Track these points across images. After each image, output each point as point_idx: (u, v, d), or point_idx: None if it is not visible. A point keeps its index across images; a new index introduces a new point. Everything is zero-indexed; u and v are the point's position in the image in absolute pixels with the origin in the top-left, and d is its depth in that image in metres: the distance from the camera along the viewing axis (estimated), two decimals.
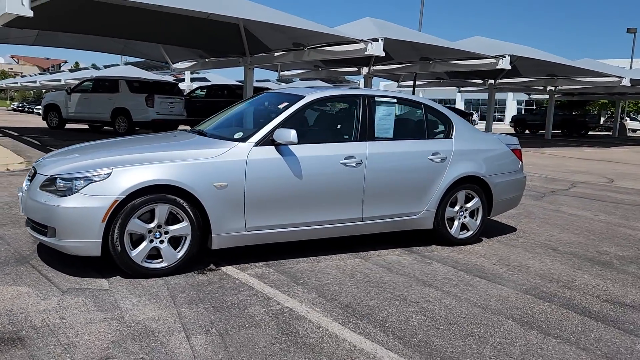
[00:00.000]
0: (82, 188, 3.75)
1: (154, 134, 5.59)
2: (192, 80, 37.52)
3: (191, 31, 17.01)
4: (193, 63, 22.34)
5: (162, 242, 3.99)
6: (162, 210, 3.93)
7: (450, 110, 5.48)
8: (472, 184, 5.30)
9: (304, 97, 4.71)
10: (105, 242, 3.81)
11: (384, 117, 5.02)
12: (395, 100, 5.14)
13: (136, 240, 3.95)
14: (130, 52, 22.11)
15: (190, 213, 4.01)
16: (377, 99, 5.00)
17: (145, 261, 3.95)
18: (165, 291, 3.70)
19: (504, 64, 17.49)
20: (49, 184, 3.87)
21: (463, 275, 4.38)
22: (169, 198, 3.93)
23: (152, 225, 3.93)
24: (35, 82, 44.96)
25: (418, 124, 5.28)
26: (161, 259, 4.00)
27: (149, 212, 3.91)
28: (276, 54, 17.40)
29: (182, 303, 3.50)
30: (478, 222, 5.40)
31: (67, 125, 19.56)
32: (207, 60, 21.38)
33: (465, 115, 28.52)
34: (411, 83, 25.27)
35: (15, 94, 68.77)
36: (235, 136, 4.46)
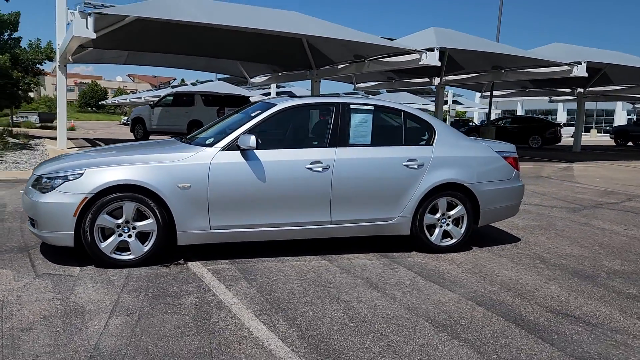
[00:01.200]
0: (58, 186, 4.29)
1: (148, 141, 6.11)
2: (278, 94, 38.96)
3: (263, 48, 17.91)
4: (267, 77, 23.33)
5: (130, 236, 4.43)
6: (129, 208, 4.37)
7: (434, 118, 5.49)
8: (454, 191, 5.26)
9: (275, 105, 4.98)
10: (79, 235, 4.30)
11: (361, 124, 5.15)
12: (372, 107, 5.26)
13: (109, 234, 4.41)
14: (212, 68, 23.49)
15: (156, 211, 4.42)
16: (352, 106, 5.16)
17: (115, 253, 4.40)
18: (122, 280, 4.12)
19: (580, 72, 16.53)
20: (37, 182, 4.46)
21: (418, 280, 4.41)
22: (136, 197, 4.37)
23: (120, 220, 4.38)
24: (140, 98, 48.81)
25: (396, 130, 5.35)
26: (129, 252, 4.44)
27: (117, 209, 4.37)
28: (339, 67, 17.77)
29: (128, 290, 3.89)
30: (462, 230, 5.34)
31: (151, 137, 21.16)
32: (279, 74, 22.24)
33: (553, 126, 27.04)
34: (495, 92, 24.57)
35: (128, 109, 75.24)
36: (207, 142, 4.83)
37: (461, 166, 5.29)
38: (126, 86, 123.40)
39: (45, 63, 21.72)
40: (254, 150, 4.68)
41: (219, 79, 41.01)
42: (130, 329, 3.22)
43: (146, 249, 4.46)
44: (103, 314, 3.43)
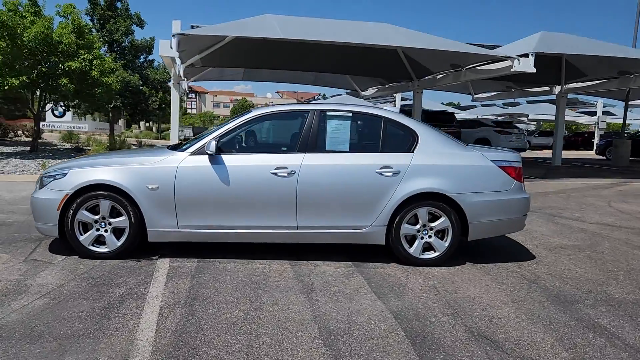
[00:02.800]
0: (48, 184, 4.92)
1: (141, 148, 6.60)
2: (403, 107, 38.79)
3: (364, 61, 18.15)
4: (376, 89, 23.45)
5: (106, 231, 4.91)
6: (104, 205, 4.85)
7: (421, 124, 5.25)
8: (437, 201, 4.98)
9: (250, 112, 5.18)
10: (63, 227, 4.88)
11: (338, 131, 5.13)
12: (350, 114, 5.20)
13: (89, 228, 4.93)
14: (321, 82, 24.27)
15: (128, 209, 4.85)
16: (328, 113, 5.16)
17: (93, 245, 4.91)
18: (85, 269, 4.59)
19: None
20: (39, 181, 5.15)
21: (362, 290, 4.27)
22: (111, 195, 4.84)
23: (97, 216, 4.88)
24: None
25: (375, 137, 5.21)
26: (105, 245, 4.92)
27: (95, 206, 4.87)
28: (438, 77, 17.31)
29: (80, 278, 4.34)
30: (447, 243, 5.02)
31: None
32: (386, 86, 22.23)
33: None
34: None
35: None
36: (184, 147, 5.17)
37: (444, 175, 4.98)
38: (271, 101, 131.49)
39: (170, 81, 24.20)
40: (222, 155, 4.91)
41: (347, 93, 42.21)
42: (41, 310, 3.61)
43: (119, 243, 4.89)
44: (35, 296, 3.88)
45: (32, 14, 13.79)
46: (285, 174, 4.86)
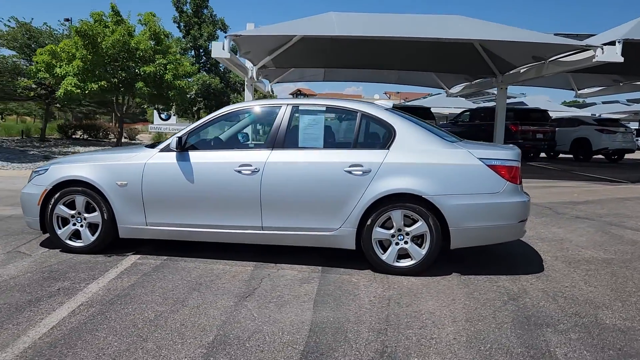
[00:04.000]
0: (32, 179, 5.15)
1: (122, 146, 6.63)
2: (510, 105, 36.59)
3: (444, 57, 17.40)
4: (462, 87, 22.29)
5: (82, 226, 5.03)
6: (79, 201, 4.98)
7: (403, 117, 4.78)
8: (413, 203, 4.50)
9: (223, 108, 5.05)
10: (44, 221, 5.08)
11: (311, 126, 4.84)
12: (324, 108, 4.88)
13: (69, 223, 5.09)
14: (404, 81, 23.57)
15: (101, 205, 4.93)
16: (301, 107, 4.88)
17: (70, 239, 5.05)
18: (51, 262, 4.73)
19: None
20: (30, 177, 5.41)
21: (305, 298, 3.95)
22: (85, 191, 4.95)
23: (74, 212, 5.01)
24: None
25: (349, 132, 4.84)
26: (81, 240, 5.04)
27: (72, 201, 5.01)
28: (522, 70, 16.04)
29: (38, 271, 4.47)
30: (424, 251, 4.53)
31: None
32: (472, 82, 21.04)
33: None
34: None
35: None
36: (157, 144, 5.15)
37: (421, 174, 4.49)
38: (421, 105, 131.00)
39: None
40: (190, 152, 4.83)
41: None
42: None
43: (93, 238, 4.98)
44: None
45: (114, 23, 14.76)
46: (249, 172, 4.65)
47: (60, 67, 13.74)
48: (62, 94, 13.49)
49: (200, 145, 4.91)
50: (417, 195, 4.46)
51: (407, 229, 4.53)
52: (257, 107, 5.11)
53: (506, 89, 17.81)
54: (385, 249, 4.59)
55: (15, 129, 22.69)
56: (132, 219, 4.87)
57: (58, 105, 17.90)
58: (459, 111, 24.70)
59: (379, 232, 4.55)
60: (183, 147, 4.80)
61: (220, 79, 21.00)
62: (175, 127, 32.16)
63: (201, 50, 21.70)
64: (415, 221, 4.52)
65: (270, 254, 5.02)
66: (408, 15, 14.48)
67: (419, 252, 4.53)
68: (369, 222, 4.54)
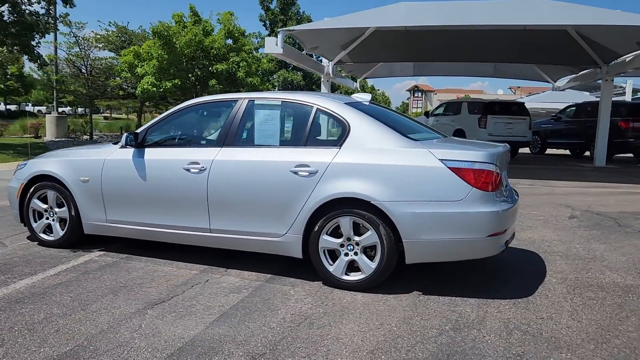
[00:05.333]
0: (15, 173, 5.32)
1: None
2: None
3: (539, 46, 15.93)
4: (568, 80, 20.20)
5: (53, 220, 5.11)
6: (50, 195, 5.05)
7: (364, 112, 4.23)
8: (361, 209, 3.97)
9: (184, 103, 4.84)
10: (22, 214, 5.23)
11: (267, 122, 4.48)
12: (279, 102, 4.48)
13: (45, 217, 5.19)
14: (500, 74, 21.89)
15: (68, 200, 4.97)
16: (257, 102, 4.53)
17: (43, 232, 5.15)
18: (20, 253, 4.84)
19: None
20: None
21: (217, 309, 3.61)
22: (55, 186, 5.02)
23: (46, 206, 5.11)
24: None
25: (302, 128, 4.38)
26: (52, 234, 5.12)
27: (45, 195, 5.10)
28: (627, 59, 14.10)
29: None
30: (374, 265, 3.97)
31: None
32: (578, 74, 18.95)
33: None
34: None
35: None
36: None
37: (372, 177, 3.93)
38: (498, 98, 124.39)
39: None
40: (146, 149, 4.69)
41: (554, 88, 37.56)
42: None
43: (62, 233, 5.04)
44: None
45: (192, 23, 15.30)
46: (197, 170, 4.40)
47: (141, 67, 14.51)
48: (140, 92, 14.22)
49: (157, 141, 4.74)
50: (365, 201, 3.90)
51: (357, 239, 3.99)
52: (216, 101, 4.82)
53: (612, 80, 15.78)
54: (333, 260, 4.09)
55: (116, 126, 24.60)
56: (94, 216, 4.83)
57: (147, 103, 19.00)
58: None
59: (326, 241, 4.06)
60: (140, 144, 4.66)
61: (303, 75, 21.02)
62: None
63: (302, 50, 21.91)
64: (365, 230, 3.96)
65: (229, 258, 4.72)
66: (486, 2, 13.31)
67: (369, 266, 3.97)
68: (315, 228, 4.07)
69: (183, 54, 14.66)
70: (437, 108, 20.82)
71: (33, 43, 13.96)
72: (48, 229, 5.10)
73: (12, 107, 53.63)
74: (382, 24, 12.43)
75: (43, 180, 5.03)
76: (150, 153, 4.62)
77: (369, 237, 3.93)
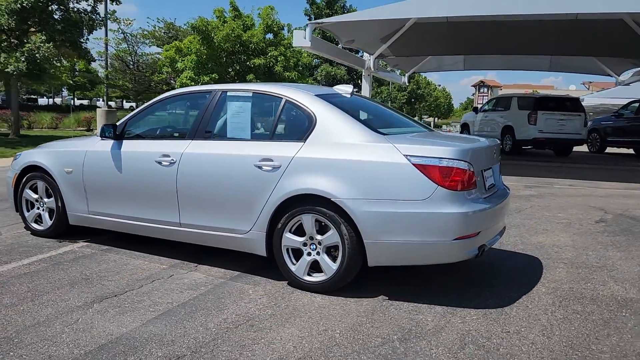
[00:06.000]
0: (12, 164, 5.46)
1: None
2: None
3: (598, 37, 15.00)
4: (632, 73, 18.82)
5: (43, 210, 5.20)
6: (40, 186, 5.14)
7: (332, 104, 4.00)
8: (323, 207, 3.76)
9: (162, 94, 4.79)
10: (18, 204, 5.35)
11: (238, 115, 4.34)
12: (250, 94, 4.33)
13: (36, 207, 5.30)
14: (557, 67, 20.72)
15: (56, 190, 5.04)
16: (229, 93, 4.40)
17: (34, 222, 5.25)
18: (7, 242, 4.95)
19: None
20: None
21: (163, 306, 3.51)
22: (43, 177, 5.10)
23: (37, 196, 5.20)
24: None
25: (270, 121, 4.21)
26: (42, 224, 5.21)
27: (36, 186, 5.19)
28: None
29: None
30: (336, 266, 3.75)
31: None
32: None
33: None
34: None
35: None
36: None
37: (334, 173, 3.71)
38: (568, 94, 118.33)
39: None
40: (124, 141, 4.68)
41: None
42: None
43: (50, 223, 5.11)
44: None
45: (232, 18, 15.42)
46: (168, 163, 4.33)
47: (181, 62, 14.77)
48: (179, 87, 14.47)
49: (136, 133, 4.71)
50: (327, 198, 3.68)
51: (319, 238, 3.78)
52: (192, 93, 4.73)
53: None
54: (297, 259, 3.90)
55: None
56: (77, 207, 4.86)
57: None
58: None
59: (289, 239, 3.88)
60: (119, 136, 4.64)
61: (347, 70, 20.75)
62: None
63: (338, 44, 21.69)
64: (327, 229, 3.74)
65: (207, 253, 4.61)
66: None
67: (330, 267, 3.75)
68: (279, 226, 3.89)
69: (222, 49, 14.78)
70: (486, 103, 19.98)
71: (82, 40, 14.54)
72: (39, 218, 5.18)
73: (85, 102, 56.57)
74: (419, 14, 12.00)
75: (34, 171, 5.11)
76: (128, 145, 4.59)
77: (331, 236, 3.72)
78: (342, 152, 3.70)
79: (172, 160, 4.27)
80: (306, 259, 3.83)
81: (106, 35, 17.01)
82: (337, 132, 3.81)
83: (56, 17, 13.59)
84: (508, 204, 4.35)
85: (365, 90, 16.30)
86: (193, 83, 14.41)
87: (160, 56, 18.56)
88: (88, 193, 4.75)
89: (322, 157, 3.74)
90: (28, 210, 5.24)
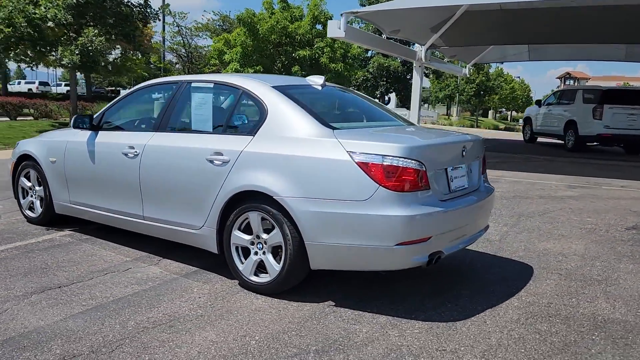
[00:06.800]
0: (12, 151, 5.66)
1: None
2: None
3: None
4: None
5: (35, 198, 5.35)
6: (33, 175, 5.29)
7: (288, 95, 3.79)
8: (267, 205, 3.57)
9: (137, 85, 4.77)
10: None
11: (201, 107, 4.22)
12: (211, 85, 4.20)
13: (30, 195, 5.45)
14: (634, 56, 19.00)
15: (44, 179, 5.17)
16: (194, 84, 4.29)
17: (29, 209, 5.41)
18: (0, 228, 5.13)
19: None
20: None
21: (86, 300, 3.50)
22: (35, 166, 5.24)
23: (30, 184, 5.36)
24: None
25: (226, 113, 4.06)
26: (35, 211, 5.37)
27: (30, 174, 5.35)
28: None
29: None
30: (278, 267, 3.56)
31: (539, 140, 19.17)
32: None
33: None
34: None
35: None
36: None
37: (277, 169, 3.51)
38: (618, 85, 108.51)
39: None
40: (100, 132, 4.71)
41: None
42: None
43: (40, 210, 5.25)
44: None
45: (281, 9, 15.39)
46: (132, 155, 4.30)
47: (228, 54, 14.93)
48: None
49: (111, 124, 4.71)
50: (270, 196, 3.49)
51: (265, 237, 3.60)
52: (162, 83, 4.65)
53: None
54: (246, 258, 3.74)
55: None
56: (61, 196, 4.95)
57: None
58: None
59: (237, 237, 3.73)
60: (94, 127, 4.66)
61: (402, 62, 20.16)
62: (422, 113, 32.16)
63: (380, 34, 21.17)
64: (272, 228, 3.55)
65: (177, 247, 4.52)
66: None
67: (274, 268, 3.56)
68: (228, 222, 3.75)
69: (267, 41, 14.78)
70: (550, 96, 18.74)
71: (136, 33, 15.05)
72: (33, 206, 5.32)
73: None
74: (470, 1, 11.35)
75: (27, 160, 5.26)
76: (102, 136, 4.60)
77: (274, 236, 3.52)
78: (287, 147, 3.48)
79: (136, 152, 4.22)
80: (253, 259, 3.65)
81: (163, 29, 17.53)
82: (286, 126, 3.60)
83: (109, 11, 14.13)
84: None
85: (416, 82, 15.74)
86: None
87: (210, 48, 18.93)
88: (68, 183, 4.81)
89: (268, 152, 3.55)
90: (24, 198, 5.40)
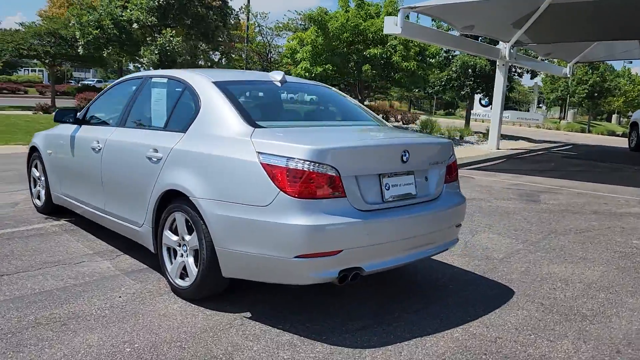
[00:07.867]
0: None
1: None
2: None
3: None
4: None
5: (42, 188, 5.62)
6: (39, 166, 5.57)
7: (218, 90, 3.59)
8: (187, 205, 3.42)
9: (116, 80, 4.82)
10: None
11: (157, 102, 4.18)
12: (165, 80, 4.11)
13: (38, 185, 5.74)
14: None
15: (44, 170, 5.42)
16: (153, 79, 4.25)
17: (36, 198, 5.69)
18: (10, 214, 5.45)
19: None
20: None
21: (26, 291, 3.57)
22: (39, 157, 5.51)
23: (38, 174, 5.65)
24: None
25: (169, 108, 3.95)
26: (41, 200, 5.64)
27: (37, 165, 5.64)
28: None
29: None
30: (196, 271, 3.40)
31: None
32: None
33: None
34: None
35: None
36: None
37: (196, 169, 3.35)
38: None
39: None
40: (83, 126, 4.83)
41: None
42: None
43: (44, 199, 5.51)
44: None
45: (356, 7, 15.15)
46: (97, 150, 4.35)
47: (300, 53, 14.96)
48: None
49: (92, 119, 4.81)
50: (185, 195, 3.33)
51: (187, 238, 3.44)
52: (132, 79, 4.65)
53: None
54: (174, 258, 3.61)
55: None
56: (55, 187, 5.15)
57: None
58: None
59: (167, 237, 3.61)
60: (78, 121, 4.79)
61: (489, 60, 18.87)
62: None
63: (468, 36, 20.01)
64: (193, 230, 3.39)
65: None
66: None
67: (192, 272, 3.39)
68: (160, 221, 3.65)
69: (339, 39, 14.57)
70: None
71: (216, 33, 15.58)
72: (40, 194, 5.60)
73: None
74: None
75: (35, 151, 5.53)
76: (82, 130, 4.70)
77: (193, 238, 3.34)
78: (208, 146, 3.30)
79: (100, 147, 4.25)
80: (178, 261, 3.51)
81: (247, 29, 17.98)
82: (213, 123, 3.41)
83: (188, 12, 14.75)
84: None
85: (499, 81, 14.71)
86: (307, 74, 14.49)
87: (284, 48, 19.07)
88: (59, 175, 4.98)
89: (192, 150, 3.39)
90: (34, 187, 5.69)
